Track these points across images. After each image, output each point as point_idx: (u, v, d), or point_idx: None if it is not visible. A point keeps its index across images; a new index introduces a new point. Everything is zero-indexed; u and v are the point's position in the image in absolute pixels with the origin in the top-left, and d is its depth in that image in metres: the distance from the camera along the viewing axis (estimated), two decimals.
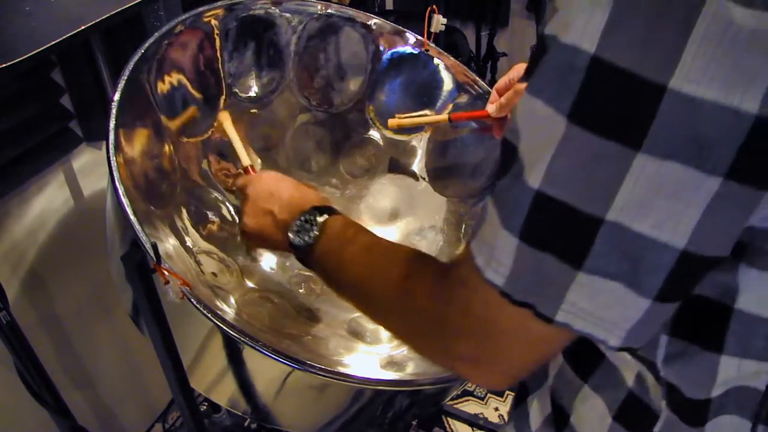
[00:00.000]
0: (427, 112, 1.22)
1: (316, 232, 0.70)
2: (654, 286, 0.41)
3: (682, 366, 0.50)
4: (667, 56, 0.36)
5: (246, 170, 0.96)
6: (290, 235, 0.72)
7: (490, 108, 1.02)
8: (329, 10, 1.16)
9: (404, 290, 0.56)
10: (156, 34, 0.92)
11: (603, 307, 0.42)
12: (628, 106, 0.37)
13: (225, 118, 1.04)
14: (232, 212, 1.07)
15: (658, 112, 0.36)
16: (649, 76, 0.36)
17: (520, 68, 0.98)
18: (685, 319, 0.49)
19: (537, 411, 0.70)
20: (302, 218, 0.72)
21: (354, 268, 0.65)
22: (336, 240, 0.69)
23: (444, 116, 1.13)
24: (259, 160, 1.15)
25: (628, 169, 0.38)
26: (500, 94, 1.02)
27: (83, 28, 0.91)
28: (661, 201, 0.38)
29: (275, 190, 0.80)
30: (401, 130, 1.24)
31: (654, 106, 0.36)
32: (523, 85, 0.91)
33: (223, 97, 1.08)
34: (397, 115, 1.18)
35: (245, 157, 0.98)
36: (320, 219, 0.71)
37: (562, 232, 0.42)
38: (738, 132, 0.36)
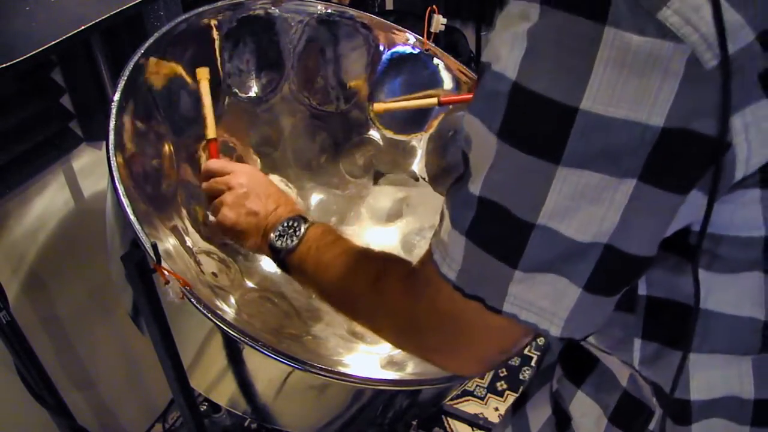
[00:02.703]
0: (421, 94, 1.20)
1: (297, 238, 0.75)
2: (583, 276, 0.45)
3: (657, 367, 0.54)
4: (577, 82, 0.40)
5: (211, 145, 0.93)
6: (272, 237, 0.77)
7: None
8: (329, 10, 1.16)
9: (377, 290, 0.61)
10: (156, 34, 0.92)
11: (541, 297, 0.47)
12: (547, 126, 0.42)
13: (203, 76, 0.96)
14: None
15: (572, 131, 0.41)
16: (562, 99, 0.40)
17: None
18: (655, 322, 0.53)
19: (536, 415, 0.72)
20: (286, 224, 0.77)
21: (331, 271, 0.69)
22: (314, 245, 0.73)
23: (433, 99, 1.11)
24: (258, 160, 1.15)
25: (552, 180, 0.43)
26: None
27: (83, 28, 0.91)
28: (583, 205, 0.43)
29: (261, 192, 0.83)
30: (402, 129, 1.23)
31: (568, 125, 0.41)
32: None
33: (223, 97, 1.08)
34: (382, 100, 1.17)
35: (212, 127, 0.94)
36: (304, 226, 0.76)
37: (498, 234, 0.47)
38: (646, 142, 0.40)
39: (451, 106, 1.20)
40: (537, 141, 0.43)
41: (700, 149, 0.41)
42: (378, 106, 1.14)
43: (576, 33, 0.40)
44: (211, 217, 0.87)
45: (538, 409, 0.72)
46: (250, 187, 0.83)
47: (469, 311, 0.50)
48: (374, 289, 0.61)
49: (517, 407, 0.77)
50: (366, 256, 0.69)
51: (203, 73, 0.96)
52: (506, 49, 0.43)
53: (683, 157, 0.41)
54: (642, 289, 0.52)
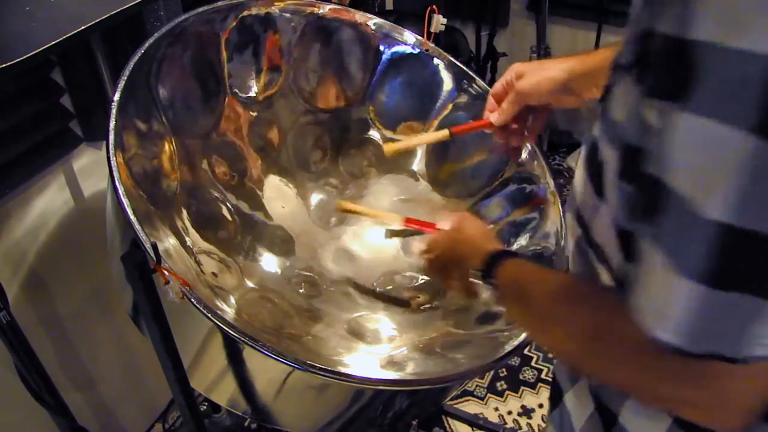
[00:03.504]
0: (427, 131, 1.20)
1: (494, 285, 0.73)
2: None
3: None
4: None
5: (424, 229, 1.05)
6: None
7: (492, 117, 0.96)
8: (329, 10, 1.16)
9: (594, 339, 0.52)
10: (156, 34, 0.92)
11: None
12: None
13: (347, 205, 1.14)
14: (232, 212, 1.07)
15: None
16: None
17: (516, 69, 0.92)
18: None
19: (577, 410, 0.67)
20: (479, 274, 0.76)
21: (540, 329, 0.64)
22: (512, 299, 0.70)
23: (444, 132, 1.05)
24: (259, 161, 1.15)
25: None
26: (497, 100, 0.96)
27: (83, 28, 0.91)
28: None
29: (449, 259, 0.89)
30: (402, 129, 1.23)
31: None
32: (525, 87, 0.89)
33: (224, 97, 1.08)
34: (392, 141, 1.16)
35: (394, 218, 1.09)
36: (491, 280, 0.73)
37: (756, 266, 0.37)
38: None
39: (450, 107, 1.21)
40: None
41: None
42: (387, 148, 1.09)
43: None
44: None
45: (579, 406, 0.67)
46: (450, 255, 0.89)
47: (698, 369, 0.43)
48: (591, 339, 0.53)
49: (555, 402, 0.73)
50: (574, 299, 0.58)
51: (346, 204, 1.14)
52: (756, 16, 0.33)
53: None
54: None
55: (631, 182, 0.45)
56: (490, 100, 0.97)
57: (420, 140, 1.16)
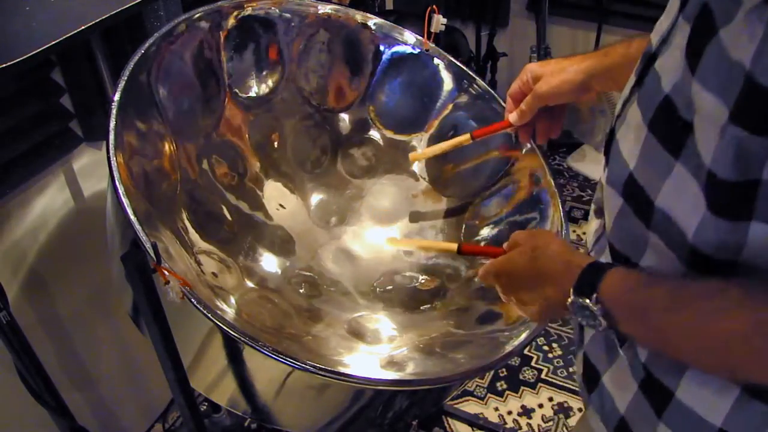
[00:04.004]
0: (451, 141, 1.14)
1: (598, 316, 0.61)
2: None
3: None
4: None
5: (490, 254, 0.90)
6: (579, 319, 0.64)
7: (512, 117, 1.00)
8: (329, 10, 1.16)
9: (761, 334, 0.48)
10: (156, 34, 0.92)
11: None
12: None
13: (396, 243, 1.14)
14: (232, 212, 1.07)
15: None
16: None
17: (532, 70, 0.95)
18: None
19: (619, 391, 0.63)
20: (574, 304, 0.63)
21: (672, 332, 0.56)
22: (635, 312, 0.59)
23: (466, 136, 1.07)
24: (259, 161, 1.15)
25: None
26: (515, 100, 1.00)
27: (83, 28, 0.91)
28: None
29: (525, 282, 0.75)
30: (402, 129, 1.24)
31: None
32: (544, 90, 0.88)
33: (224, 97, 1.08)
34: (416, 151, 1.19)
35: (446, 246, 1.07)
36: (590, 302, 0.61)
37: None
38: None
39: (450, 107, 1.21)
40: None
41: None
42: (413, 157, 1.12)
43: None
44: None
45: (620, 386, 0.62)
46: (516, 275, 0.77)
47: None
48: (756, 335, 0.49)
49: (592, 384, 0.68)
50: (708, 298, 0.53)
51: (393, 241, 1.16)
52: None
53: None
54: None
55: (751, 129, 0.45)
56: (509, 101, 1.01)
57: (443, 146, 1.14)
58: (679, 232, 0.54)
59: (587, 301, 0.61)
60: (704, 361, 0.54)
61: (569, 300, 0.63)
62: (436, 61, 1.20)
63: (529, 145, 1.11)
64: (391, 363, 0.95)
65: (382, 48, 1.20)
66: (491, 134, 1.08)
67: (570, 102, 0.96)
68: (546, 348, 1.97)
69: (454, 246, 0.99)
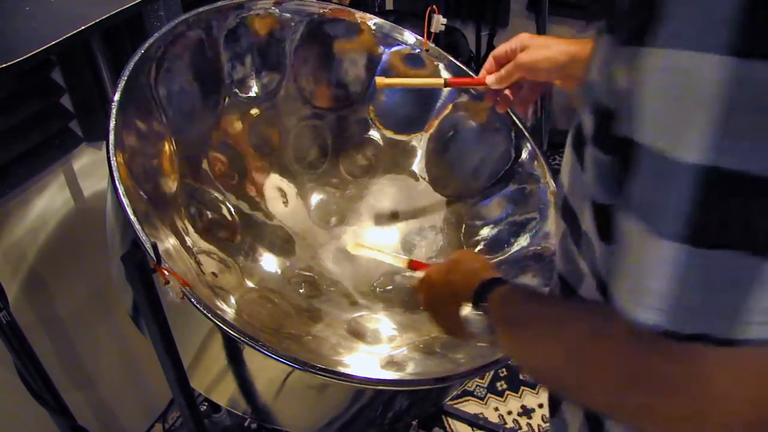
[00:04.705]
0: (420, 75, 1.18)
1: (483, 324, 0.66)
2: None
3: None
4: None
5: (414, 267, 1.01)
6: (474, 331, 0.69)
7: (489, 78, 0.97)
8: (329, 10, 1.16)
9: (578, 362, 0.47)
10: (156, 34, 0.92)
11: None
12: None
13: (357, 247, 1.13)
14: (232, 212, 1.07)
15: None
16: None
17: (522, 39, 0.93)
18: None
19: (573, 418, 0.64)
20: (467, 316, 0.69)
21: (528, 350, 0.57)
22: (502, 325, 0.63)
23: (440, 80, 1.08)
24: (258, 164, 1.15)
25: None
26: (498, 64, 0.96)
27: (83, 28, 0.91)
28: None
29: (435, 295, 0.81)
30: (402, 129, 1.23)
31: None
32: (524, 60, 0.86)
33: (224, 97, 1.08)
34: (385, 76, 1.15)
35: (399, 260, 1.06)
36: (478, 313, 0.67)
37: (742, 214, 0.32)
38: None
39: (450, 107, 1.21)
40: None
41: None
42: (380, 81, 1.07)
43: None
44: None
45: (574, 415, 0.64)
46: (430, 292, 0.83)
47: (684, 359, 0.36)
48: (574, 360, 0.48)
49: (554, 410, 0.70)
50: (557, 324, 0.53)
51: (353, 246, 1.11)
52: None
53: None
54: None
55: (604, 149, 0.42)
56: (490, 61, 0.99)
57: (414, 82, 1.16)
58: (593, 258, 0.50)
59: (477, 313, 0.65)
60: (541, 379, 0.56)
61: (465, 311, 0.66)
62: (436, 61, 1.20)
63: (529, 146, 1.11)
64: (391, 363, 0.95)
65: (382, 48, 1.20)
66: (464, 87, 1.11)
67: (551, 82, 0.93)
68: None
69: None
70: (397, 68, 1.19)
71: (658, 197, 0.35)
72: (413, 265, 1.02)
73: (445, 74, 1.20)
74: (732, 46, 0.31)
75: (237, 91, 1.10)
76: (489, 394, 1.84)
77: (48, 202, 1.23)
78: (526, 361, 0.58)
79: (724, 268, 0.34)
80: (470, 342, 0.77)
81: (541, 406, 1.80)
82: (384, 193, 1.25)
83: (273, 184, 1.16)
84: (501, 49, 0.96)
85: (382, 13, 2.07)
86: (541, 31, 2.36)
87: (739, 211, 0.33)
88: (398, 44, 1.20)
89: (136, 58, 0.87)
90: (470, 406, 1.80)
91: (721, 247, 0.33)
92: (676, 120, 0.33)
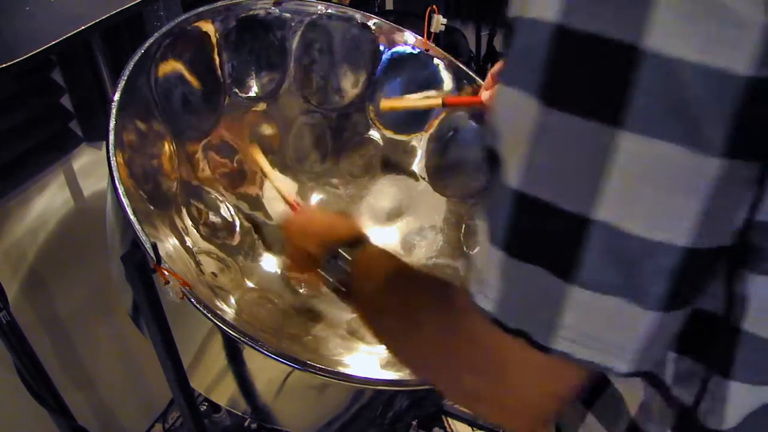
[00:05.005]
0: (425, 94, 1.20)
1: (345, 271, 0.70)
2: (658, 294, 0.36)
3: (692, 387, 0.44)
4: (636, 11, 0.31)
5: (291, 206, 1.01)
6: (323, 274, 0.74)
7: (484, 95, 0.98)
8: (329, 10, 1.16)
9: (416, 323, 0.52)
10: (156, 34, 0.92)
11: (605, 328, 0.37)
12: (602, 74, 0.33)
13: (256, 152, 1.09)
14: (232, 212, 1.07)
15: (636, 79, 0.31)
16: (619, 36, 0.31)
17: None
18: (692, 336, 0.43)
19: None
20: (330, 258, 0.73)
21: (375, 304, 0.63)
22: (361, 277, 0.68)
23: (438, 100, 1.11)
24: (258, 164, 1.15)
25: (612, 152, 0.33)
26: (495, 80, 0.98)
27: (83, 28, 0.91)
28: (653, 192, 0.33)
29: (308, 229, 0.85)
30: (402, 129, 1.23)
31: (630, 71, 0.31)
32: None
33: (224, 97, 1.08)
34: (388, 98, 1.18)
35: (285, 191, 1.05)
36: (346, 258, 0.71)
37: (546, 238, 0.37)
38: (727, 98, 0.31)
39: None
40: (590, 97, 0.33)
41: None
42: (384, 104, 1.12)
43: None
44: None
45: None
46: (298, 227, 0.88)
47: (509, 348, 0.40)
48: (412, 322, 0.52)
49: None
50: (410, 285, 0.59)
51: (255, 150, 1.09)
52: None
53: None
54: None
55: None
56: (488, 79, 0.99)
57: (414, 103, 1.18)
58: None
59: (345, 254, 0.71)
60: (384, 339, 0.61)
61: (337, 250, 0.72)
62: (436, 61, 1.20)
63: None
64: (391, 363, 0.95)
65: (382, 48, 1.20)
66: (462, 105, 1.13)
67: None
68: None
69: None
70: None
71: (494, 207, 0.39)
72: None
73: (446, 74, 1.20)
74: (538, 90, 0.35)
75: (237, 90, 1.10)
76: None
77: (48, 202, 1.23)
78: (373, 318, 0.63)
79: (535, 281, 0.37)
80: (320, 283, 0.81)
81: None
82: (384, 193, 1.25)
83: (273, 184, 1.16)
84: (498, 65, 0.98)
85: (382, 13, 2.07)
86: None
87: (539, 233, 0.37)
88: (398, 44, 1.20)
89: (136, 58, 0.87)
90: None
91: (531, 262, 0.37)
92: (509, 146, 0.38)
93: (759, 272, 0.38)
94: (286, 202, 1.02)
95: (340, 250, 0.73)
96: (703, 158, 0.32)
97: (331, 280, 0.73)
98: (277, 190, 1.05)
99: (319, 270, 0.76)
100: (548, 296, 0.37)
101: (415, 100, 1.18)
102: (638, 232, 0.34)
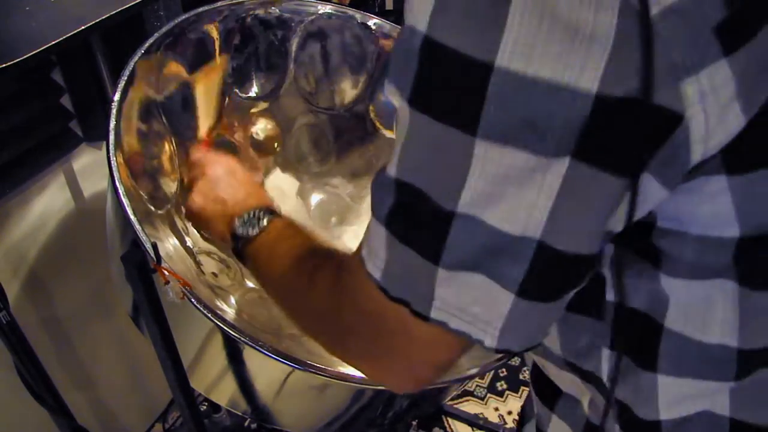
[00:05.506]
0: None
1: (259, 228, 0.73)
2: (515, 278, 0.39)
3: (626, 383, 0.48)
4: (490, 31, 0.33)
5: (204, 142, 0.98)
6: (236, 223, 0.75)
7: None
8: (329, 10, 1.16)
9: (309, 285, 0.55)
10: (156, 34, 0.92)
11: (471, 302, 0.41)
12: (459, 87, 0.35)
13: (201, 79, 1.03)
14: None
15: (488, 94, 0.34)
16: (474, 54, 0.34)
17: None
18: (621, 333, 0.47)
19: None
20: (251, 213, 0.75)
21: (276, 264, 0.66)
22: (273, 236, 0.72)
23: None
24: (259, 161, 1.15)
25: (471, 156, 0.36)
26: None
27: (83, 28, 0.90)
28: (509, 190, 0.36)
29: (233, 181, 0.84)
30: None
31: (483, 86, 0.34)
32: None
33: (224, 97, 1.08)
34: None
35: (205, 125, 0.99)
36: (268, 217, 0.74)
37: (417, 223, 0.40)
38: (578, 113, 0.33)
39: None
40: (451, 107, 0.36)
41: (645, 122, 0.34)
42: None
43: None
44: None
45: None
46: (222, 176, 0.85)
47: (395, 316, 0.44)
48: (307, 285, 0.56)
49: (519, 428, 0.74)
50: (313, 250, 0.63)
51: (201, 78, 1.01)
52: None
53: (625, 132, 0.34)
54: (610, 295, 0.46)
55: None
56: None
57: None
58: None
59: (262, 215, 0.74)
60: (280, 303, 0.67)
61: (252, 210, 0.75)
62: None
63: None
64: None
65: (382, 48, 1.20)
66: None
67: None
68: None
69: None
70: None
71: (379, 186, 0.43)
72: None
73: None
74: (409, 95, 0.38)
75: (237, 91, 1.10)
76: (489, 394, 1.84)
77: (48, 202, 1.23)
78: (268, 277, 0.68)
79: (410, 259, 0.41)
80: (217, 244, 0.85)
81: None
82: None
83: (273, 183, 1.16)
84: None
85: (382, 13, 2.06)
86: None
87: (413, 219, 0.41)
88: None
89: (136, 58, 0.87)
90: (470, 406, 1.80)
91: (404, 243, 0.41)
92: (394, 134, 0.43)
93: (670, 274, 0.42)
94: (201, 136, 0.99)
95: (265, 208, 0.76)
96: (551, 160, 0.35)
97: (239, 232, 0.74)
98: (198, 119, 1.02)
99: (232, 223, 0.76)
100: (422, 273, 0.41)
101: None
102: (498, 225, 0.37)
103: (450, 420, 1.75)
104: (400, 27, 1.18)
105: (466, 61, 0.34)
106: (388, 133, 1.24)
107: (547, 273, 0.39)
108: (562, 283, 0.41)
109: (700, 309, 0.43)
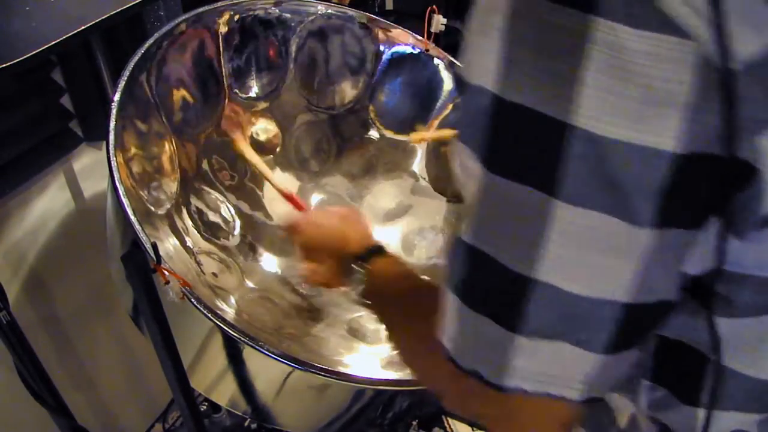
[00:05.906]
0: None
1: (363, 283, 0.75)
2: (601, 341, 0.37)
3: (666, 412, 0.47)
4: (564, 87, 0.32)
5: (289, 198, 1.02)
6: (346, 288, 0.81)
7: None
8: (329, 10, 1.16)
9: (424, 347, 0.53)
10: (156, 34, 0.92)
11: (552, 367, 0.39)
12: (536, 146, 0.34)
13: (247, 150, 1.08)
14: (232, 212, 1.07)
15: (566, 154, 0.33)
16: (549, 111, 0.33)
17: None
18: (667, 367, 0.46)
19: None
20: (347, 272, 0.79)
21: (389, 322, 0.67)
22: (376, 293, 0.73)
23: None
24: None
25: (549, 219, 0.34)
26: None
27: (83, 28, 0.90)
28: (590, 256, 0.35)
29: (319, 240, 0.87)
30: (402, 129, 1.23)
31: (560, 145, 0.33)
32: None
33: (224, 97, 1.08)
34: (418, 128, 1.19)
35: (279, 184, 1.04)
36: (362, 271, 0.76)
37: (494, 292, 0.39)
38: (656, 174, 0.32)
39: (450, 107, 1.20)
40: (528, 167, 0.35)
41: (727, 176, 0.33)
42: (415, 137, 1.15)
43: (559, 25, 0.32)
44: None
45: None
46: (313, 235, 0.88)
47: (472, 386, 0.42)
48: (421, 348, 0.55)
49: None
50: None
51: (241, 141, 1.07)
52: (480, 54, 0.36)
53: (703, 188, 0.33)
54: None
55: None
56: None
57: (445, 134, 1.18)
58: None
59: (359, 269, 0.75)
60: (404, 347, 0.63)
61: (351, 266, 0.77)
62: (436, 61, 1.20)
63: None
64: (392, 363, 0.95)
65: (382, 48, 1.20)
66: None
67: None
68: None
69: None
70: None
71: (452, 254, 0.41)
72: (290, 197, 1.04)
73: (446, 74, 1.20)
74: (479, 153, 0.37)
75: (237, 91, 1.10)
76: None
77: (48, 202, 1.23)
78: (391, 334, 0.68)
79: (485, 329, 0.39)
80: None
81: None
82: (384, 193, 1.25)
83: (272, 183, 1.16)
84: None
85: (382, 13, 2.06)
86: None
87: (489, 287, 0.39)
88: (398, 44, 1.20)
89: (136, 58, 0.87)
90: None
91: (479, 312, 0.39)
92: (465, 200, 0.40)
93: (723, 315, 0.41)
94: (290, 200, 1.02)
95: (353, 266, 0.77)
96: (635, 228, 0.33)
97: (353, 291, 0.78)
98: (277, 190, 1.05)
99: (341, 286, 0.81)
100: (497, 343, 0.39)
101: (445, 132, 1.18)
102: (579, 291, 0.36)
103: (450, 420, 1.74)
104: (399, 27, 1.19)
105: (541, 119, 0.33)
106: (389, 133, 1.24)
107: (633, 329, 0.38)
108: (647, 331, 0.41)
109: (753, 344, 0.42)
